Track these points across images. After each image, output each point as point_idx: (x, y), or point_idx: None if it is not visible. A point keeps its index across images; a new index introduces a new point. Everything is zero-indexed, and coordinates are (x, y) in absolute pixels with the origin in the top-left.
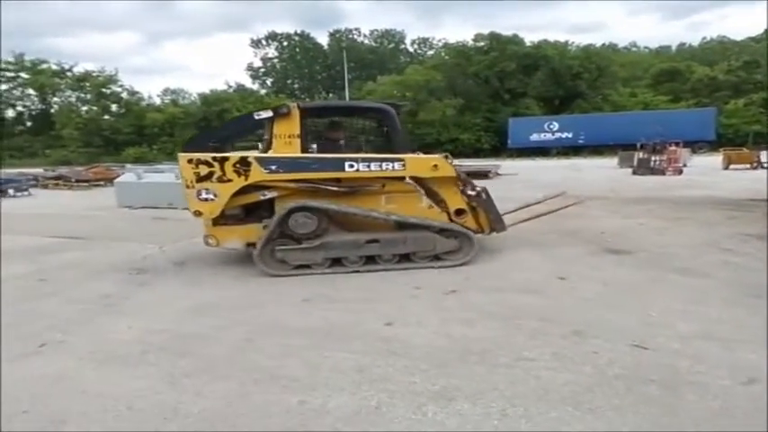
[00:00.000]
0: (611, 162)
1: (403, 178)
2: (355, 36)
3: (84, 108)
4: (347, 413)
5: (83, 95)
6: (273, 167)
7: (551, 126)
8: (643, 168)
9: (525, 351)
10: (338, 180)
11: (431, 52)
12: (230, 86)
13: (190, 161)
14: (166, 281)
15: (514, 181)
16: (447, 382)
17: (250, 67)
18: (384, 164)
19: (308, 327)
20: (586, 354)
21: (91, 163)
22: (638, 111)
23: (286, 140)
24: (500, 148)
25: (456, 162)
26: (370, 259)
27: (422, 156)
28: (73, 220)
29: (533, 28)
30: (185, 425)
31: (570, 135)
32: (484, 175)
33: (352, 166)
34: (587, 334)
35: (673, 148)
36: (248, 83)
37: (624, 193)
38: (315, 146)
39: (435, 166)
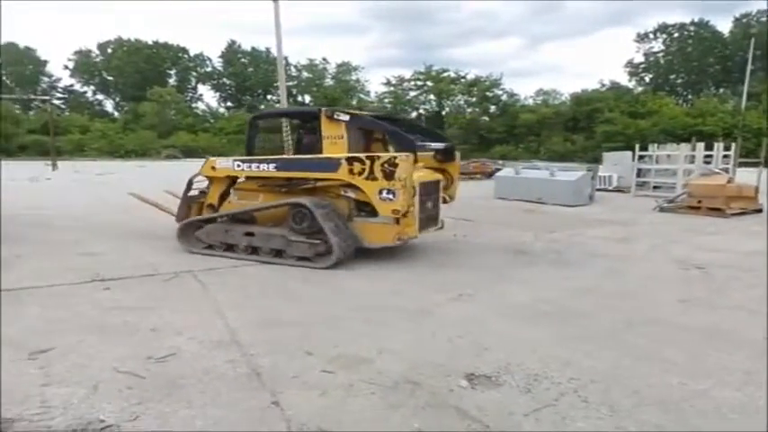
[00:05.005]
0: None
1: None
2: None
3: (469, 110)
4: (731, 402)
5: (469, 99)
6: None
7: None
8: None
9: None
10: None
11: None
12: (603, 85)
13: None
14: (545, 263)
15: None
16: None
17: (629, 64)
18: None
19: (688, 325)
20: None
21: (467, 158)
22: None
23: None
24: None
25: None
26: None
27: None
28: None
29: None
30: (580, 374)
31: None
32: None
33: None
34: None
35: None
36: (624, 80)
37: None
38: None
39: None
